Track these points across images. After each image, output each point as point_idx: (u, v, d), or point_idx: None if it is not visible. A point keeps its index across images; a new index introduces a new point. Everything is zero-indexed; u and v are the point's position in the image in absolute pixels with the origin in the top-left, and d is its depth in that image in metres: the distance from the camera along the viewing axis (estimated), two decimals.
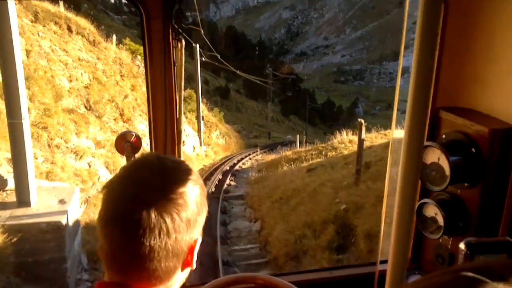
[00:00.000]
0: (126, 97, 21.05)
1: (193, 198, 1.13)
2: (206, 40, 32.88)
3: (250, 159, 32.34)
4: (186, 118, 28.01)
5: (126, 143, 2.37)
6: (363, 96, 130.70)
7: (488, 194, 1.98)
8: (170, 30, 2.09)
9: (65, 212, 8.31)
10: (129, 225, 1.06)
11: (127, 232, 1.07)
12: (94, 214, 11.97)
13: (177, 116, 2.23)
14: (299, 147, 29.91)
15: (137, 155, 2.29)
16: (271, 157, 29.79)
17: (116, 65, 21.95)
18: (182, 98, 2.32)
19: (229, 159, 28.97)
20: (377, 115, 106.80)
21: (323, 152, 22.79)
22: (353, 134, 24.14)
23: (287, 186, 16.58)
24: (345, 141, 23.72)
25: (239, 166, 27.69)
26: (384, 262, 1.79)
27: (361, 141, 12.88)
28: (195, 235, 1.15)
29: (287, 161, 23.75)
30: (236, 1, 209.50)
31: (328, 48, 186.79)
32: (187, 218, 1.10)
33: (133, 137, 2.40)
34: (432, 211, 2.10)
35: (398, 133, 2.32)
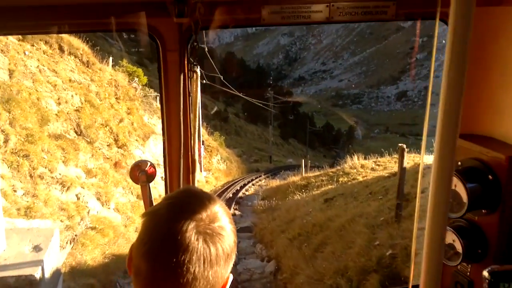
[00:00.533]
0: (121, 121, 19.42)
1: (231, 234, 1.20)
2: (213, 64, 32.35)
3: (253, 184, 31.19)
4: None
5: (141, 172, 2.32)
6: (362, 119, 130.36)
7: (506, 220, 2.00)
8: (186, 62, 2.14)
9: (40, 262, 6.64)
10: (176, 250, 1.10)
11: (173, 256, 1.09)
12: (81, 255, 10.35)
13: (192, 145, 2.30)
14: (305, 171, 28.81)
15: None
16: (275, 182, 28.55)
17: (111, 87, 20.48)
18: (197, 127, 2.33)
19: (231, 185, 28.10)
20: (376, 138, 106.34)
21: (334, 178, 21.21)
22: (364, 159, 23.14)
23: (305, 220, 14.44)
24: (356, 166, 22.16)
25: (243, 193, 26.86)
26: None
27: (402, 170, 10.43)
28: (228, 271, 1.19)
29: (296, 187, 22.17)
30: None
31: (326, 73, 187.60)
32: (227, 251, 1.16)
33: (148, 166, 2.33)
34: (450, 237, 2.09)
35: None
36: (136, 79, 24.84)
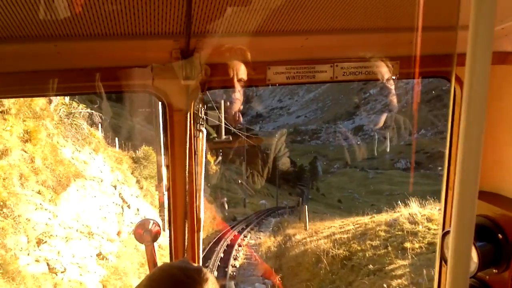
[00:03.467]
0: (4, 154, 11.06)
1: None
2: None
3: (240, 246, 25.13)
4: (141, 188, 20.81)
5: (145, 231, 2.29)
6: (321, 154, 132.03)
7: None
8: (192, 121, 2.17)
9: None
10: None
11: None
12: None
13: (197, 204, 2.29)
14: (301, 218, 25.87)
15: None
16: (270, 241, 24.30)
17: None
18: (203, 185, 2.31)
19: (209, 248, 23.00)
20: (336, 173, 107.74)
21: (392, 240, 15.81)
22: (420, 206, 18.18)
23: None
24: (417, 219, 16.67)
25: (232, 265, 21.57)
26: None
27: None
28: None
29: (329, 261, 16.99)
30: None
31: (283, 110, 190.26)
32: None
33: (153, 225, 2.31)
34: None
35: None
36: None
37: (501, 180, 2.17)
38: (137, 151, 23.59)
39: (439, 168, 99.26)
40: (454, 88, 2.27)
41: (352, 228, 19.21)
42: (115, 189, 17.01)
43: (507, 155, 2.14)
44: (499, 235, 1.99)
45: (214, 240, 24.81)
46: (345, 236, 18.28)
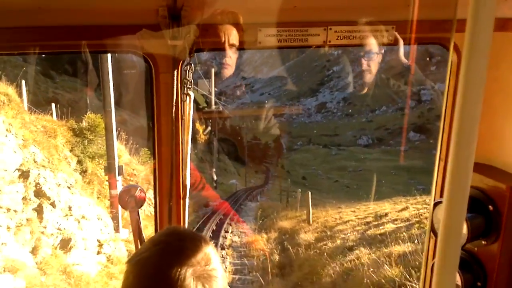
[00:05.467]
0: None
1: (223, 273, 1.19)
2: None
3: (222, 248, 18.26)
4: (84, 172, 15.08)
5: (130, 197, 2.32)
6: (285, 132, 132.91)
7: (506, 252, 1.97)
8: (179, 84, 2.11)
9: None
10: None
11: None
12: None
13: (183, 170, 2.23)
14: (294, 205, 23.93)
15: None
16: (260, 240, 18.95)
17: None
18: (189, 152, 2.26)
19: None
20: (299, 150, 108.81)
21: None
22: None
23: None
24: None
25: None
26: None
27: None
28: None
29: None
30: None
31: (247, 87, 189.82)
32: None
33: (138, 190, 2.35)
34: None
35: None
36: None
37: (494, 151, 2.15)
38: (81, 122, 17.26)
39: (400, 143, 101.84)
40: (450, 56, 2.25)
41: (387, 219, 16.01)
42: (27, 177, 10.01)
43: (502, 126, 2.10)
44: (490, 206, 1.99)
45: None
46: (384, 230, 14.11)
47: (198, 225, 20.42)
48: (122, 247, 13.14)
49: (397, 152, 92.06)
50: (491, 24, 0.87)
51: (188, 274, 1.10)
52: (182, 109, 2.15)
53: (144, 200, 2.33)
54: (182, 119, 2.16)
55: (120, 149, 18.41)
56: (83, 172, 15.12)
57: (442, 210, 1.02)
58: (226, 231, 21.26)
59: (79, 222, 11.30)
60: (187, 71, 2.10)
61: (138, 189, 2.34)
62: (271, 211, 26.20)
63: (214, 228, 21.19)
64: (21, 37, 1.80)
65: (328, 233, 16.86)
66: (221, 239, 19.50)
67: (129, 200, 2.30)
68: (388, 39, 2.12)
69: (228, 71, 2.24)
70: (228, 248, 18.63)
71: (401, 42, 2.15)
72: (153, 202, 2.34)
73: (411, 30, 2.10)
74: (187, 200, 2.29)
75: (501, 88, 2.10)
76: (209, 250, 1.20)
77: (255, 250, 17.73)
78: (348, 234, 15.63)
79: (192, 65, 2.11)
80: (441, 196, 2.04)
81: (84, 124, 17.21)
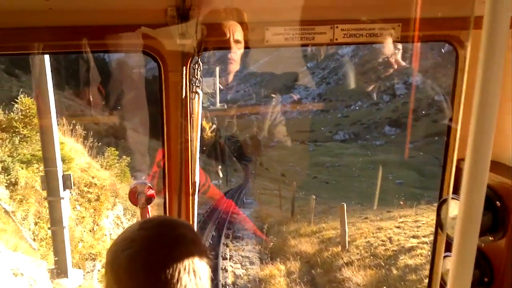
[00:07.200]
0: None
1: (206, 259, 1.24)
2: None
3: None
4: (13, 184, 10.11)
5: (139, 194, 2.35)
6: (261, 129, 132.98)
7: None
8: (188, 83, 2.12)
9: None
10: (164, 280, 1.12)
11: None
12: None
13: (192, 167, 2.23)
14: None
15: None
16: (277, 274, 12.86)
17: None
18: (198, 149, 2.27)
19: None
20: (276, 147, 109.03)
21: None
22: None
23: None
24: None
25: None
26: None
27: None
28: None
29: None
30: None
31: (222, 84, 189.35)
32: (208, 274, 1.22)
33: (147, 188, 2.37)
34: None
35: None
36: None
37: (501, 148, 2.13)
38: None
39: (375, 138, 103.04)
40: (458, 53, 2.24)
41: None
42: None
43: (508, 122, 2.10)
44: (497, 202, 1.98)
45: None
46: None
47: None
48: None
49: (373, 146, 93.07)
50: (508, 21, 0.87)
51: (174, 262, 1.14)
52: (190, 107, 2.16)
53: (154, 197, 2.37)
54: (190, 116, 2.17)
55: (75, 149, 14.18)
56: (12, 184, 9.99)
57: (458, 206, 1.04)
58: (225, 258, 15.34)
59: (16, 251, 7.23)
60: (196, 70, 2.11)
61: (148, 186, 2.36)
62: (272, 221, 20.51)
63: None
64: (30, 36, 1.79)
65: (389, 267, 11.42)
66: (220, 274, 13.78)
67: (139, 197, 2.33)
68: (394, 36, 2.13)
69: (234, 67, 2.25)
70: None
71: (389, 40, 2.17)
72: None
73: (416, 28, 2.11)
74: (196, 196, 2.31)
75: (507, 85, 2.07)
76: (195, 238, 1.25)
77: None
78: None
79: (201, 63, 2.11)
80: (454, 193, 2.02)
81: (15, 114, 11.99)
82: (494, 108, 0.94)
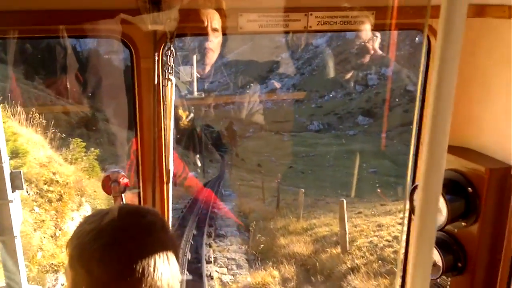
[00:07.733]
0: None
1: (174, 243, 1.25)
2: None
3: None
4: None
5: (113, 182, 2.32)
6: (236, 119, 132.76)
7: (486, 233, 2.02)
8: (160, 69, 2.10)
9: None
10: (133, 276, 1.10)
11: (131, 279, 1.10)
12: None
13: (166, 155, 2.23)
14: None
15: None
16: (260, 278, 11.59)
17: None
18: (172, 137, 2.26)
19: None
20: (252, 137, 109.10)
21: None
22: None
23: None
24: None
25: None
26: None
27: None
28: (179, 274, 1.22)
29: None
30: None
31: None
32: (175, 259, 1.20)
33: (121, 176, 2.33)
34: None
35: None
36: None
37: (472, 135, 2.19)
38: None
39: (349, 128, 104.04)
40: (429, 42, 2.27)
41: None
42: None
43: (478, 111, 2.14)
44: (469, 188, 2.03)
45: None
46: None
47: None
48: None
49: (347, 136, 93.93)
50: (465, 8, 0.88)
51: (140, 250, 1.13)
52: (163, 94, 2.14)
53: (128, 185, 2.34)
54: (164, 104, 2.15)
55: (33, 141, 12.80)
56: None
57: (417, 192, 1.07)
58: (209, 262, 13.95)
59: None
60: (168, 56, 2.09)
61: (121, 174, 2.34)
62: (256, 216, 18.92)
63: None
64: (2, 21, 1.75)
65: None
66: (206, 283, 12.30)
67: (112, 185, 2.31)
68: (369, 24, 2.14)
69: (211, 56, 2.23)
70: None
71: (365, 26, 2.18)
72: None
73: (391, 16, 2.13)
74: (170, 184, 2.30)
75: (478, 73, 2.13)
76: (162, 224, 1.25)
77: None
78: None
79: (173, 50, 2.09)
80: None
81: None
82: (450, 95, 0.94)
